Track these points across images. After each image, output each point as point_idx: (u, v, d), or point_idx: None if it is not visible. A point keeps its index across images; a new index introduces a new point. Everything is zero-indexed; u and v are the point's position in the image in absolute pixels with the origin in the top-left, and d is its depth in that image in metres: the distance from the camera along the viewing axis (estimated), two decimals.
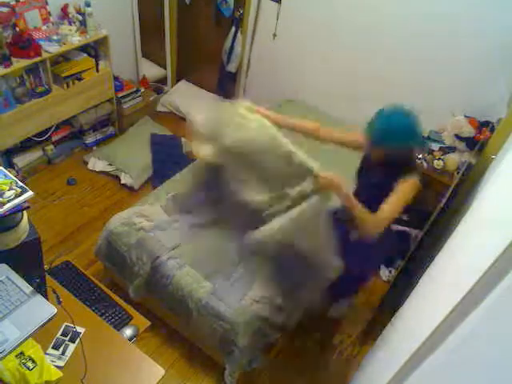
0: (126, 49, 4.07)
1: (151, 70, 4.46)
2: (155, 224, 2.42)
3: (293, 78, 3.71)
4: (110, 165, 3.51)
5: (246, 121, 1.94)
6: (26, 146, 3.27)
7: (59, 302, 1.64)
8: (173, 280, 2.24)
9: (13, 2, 2.81)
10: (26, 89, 2.96)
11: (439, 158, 2.92)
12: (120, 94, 3.74)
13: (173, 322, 2.48)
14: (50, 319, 1.45)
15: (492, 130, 2.65)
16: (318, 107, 3.61)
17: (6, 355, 1.35)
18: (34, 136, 3.23)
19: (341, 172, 1.83)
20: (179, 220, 2.47)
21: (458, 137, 2.86)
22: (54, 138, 3.45)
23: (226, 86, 4.17)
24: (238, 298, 2.18)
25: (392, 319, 2.09)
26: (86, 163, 3.56)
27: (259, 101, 4.17)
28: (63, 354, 1.53)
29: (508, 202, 1.11)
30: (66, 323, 1.61)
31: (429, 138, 3.04)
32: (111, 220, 2.49)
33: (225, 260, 2.34)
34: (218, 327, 2.14)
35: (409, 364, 1.11)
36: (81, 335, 1.58)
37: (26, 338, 1.40)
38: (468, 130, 2.81)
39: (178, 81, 4.56)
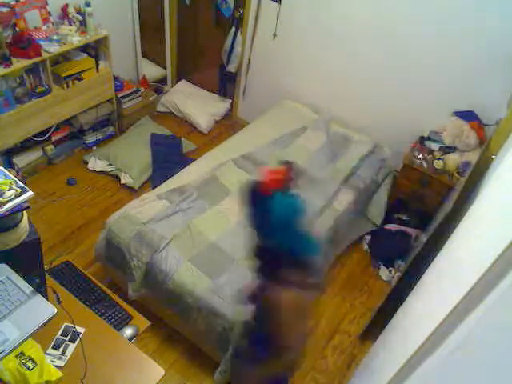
0: (126, 49, 4.07)
1: (151, 70, 4.46)
2: (152, 216, 2.45)
3: (293, 77, 3.71)
4: (110, 165, 3.51)
5: None
6: (25, 145, 3.27)
7: (59, 302, 1.64)
8: (173, 276, 2.23)
9: (13, 2, 2.81)
10: (26, 89, 2.96)
11: (439, 158, 2.92)
12: (120, 94, 3.74)
13: (173, 321, 2.48)
14: (50, 319, 1.45)
15: (491, 130, 2.66)
16: (318, 107, 3.61)
17: (5, 355, 1.34)
18: (34, 136, 3.23)
19: None
20: (177, 210, 2.52)
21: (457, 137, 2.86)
22: (54, 138, 3.44)
23: (226, 86, 4.17)
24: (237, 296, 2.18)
25: (392, 319, 2.09)
26: (86, 163, 3.56)
27: (259, 101, 4.15)
28: (63, 354, 1.53)
29: (508, 201, 1.11)
30: (66, 323, 1.61)
31: (429, 138, 3.04)
32: (110, 218, 2.50)
33: (225, 257, 2.34)
34: (216, 325, 2.14)
35: (409, 364, 1.11)
36: (81, 335, 1.58)
37: (26, 338, 1.40)
38: (468, 130, 2.81)
39: (177, 81, 4.56)
